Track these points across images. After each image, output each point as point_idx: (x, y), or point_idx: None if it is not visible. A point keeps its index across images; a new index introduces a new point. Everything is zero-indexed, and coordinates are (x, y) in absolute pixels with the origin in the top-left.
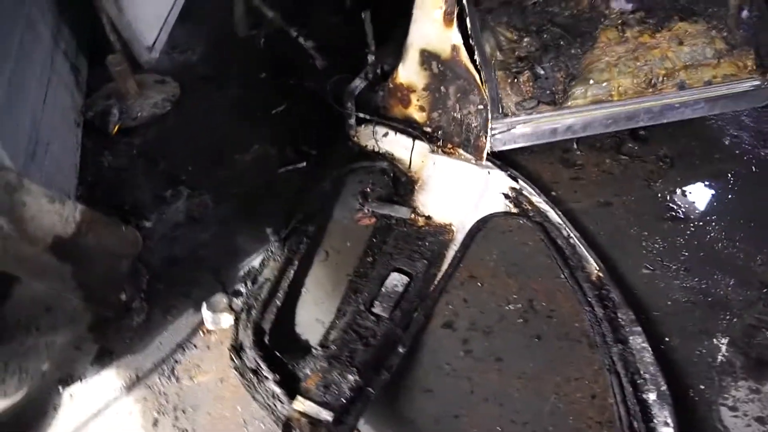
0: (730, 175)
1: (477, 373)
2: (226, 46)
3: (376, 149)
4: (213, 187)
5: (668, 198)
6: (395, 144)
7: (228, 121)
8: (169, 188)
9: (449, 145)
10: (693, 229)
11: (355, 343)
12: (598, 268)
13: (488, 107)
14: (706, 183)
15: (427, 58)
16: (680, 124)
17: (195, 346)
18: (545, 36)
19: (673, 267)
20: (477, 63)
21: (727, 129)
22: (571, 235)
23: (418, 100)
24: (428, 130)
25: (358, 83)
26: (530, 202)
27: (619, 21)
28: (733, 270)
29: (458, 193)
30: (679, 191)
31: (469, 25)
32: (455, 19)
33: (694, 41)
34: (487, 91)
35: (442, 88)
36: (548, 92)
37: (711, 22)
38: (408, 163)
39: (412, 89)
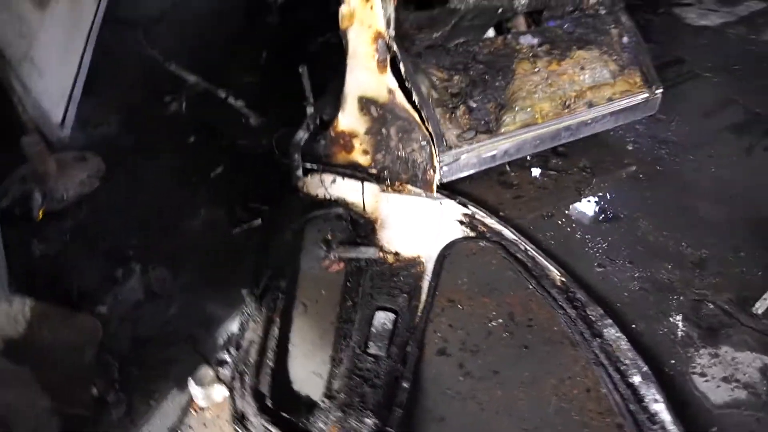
0: (641, 175)
1: (480, 392)
2: (144, 115)
3: (327, 196)
4: (167, 259)
5: (598, 202)
6: (345, 189)
7: (165, 190)
8: (117, 267)
9: (397, 183)
10: (626, 226)
11: (362, 386)
12: (559, 274)
13: (432, 143)
14: (625, 185)
15: (366, 103)
16: (591, 138)
17: (190, 426)
18: (471, 72)
19: (619, 262)
20: (415, 103)
21: (627, 137)
22: (528, 248)
23: (361, 144)
24: (374, 171)
25: (302, 135)
26: (484, 224)
27: (530, 54)
28: (668, 255)
29: (418, 226)
30: (605, 195)
31: (402, 69)
32: (388, 65)
33: (592, 65)
34: (430, 128)
35: (383, 130)
36: (483, 122)
37: (602, 48)
38: (362, 205)
39: (354, 135)
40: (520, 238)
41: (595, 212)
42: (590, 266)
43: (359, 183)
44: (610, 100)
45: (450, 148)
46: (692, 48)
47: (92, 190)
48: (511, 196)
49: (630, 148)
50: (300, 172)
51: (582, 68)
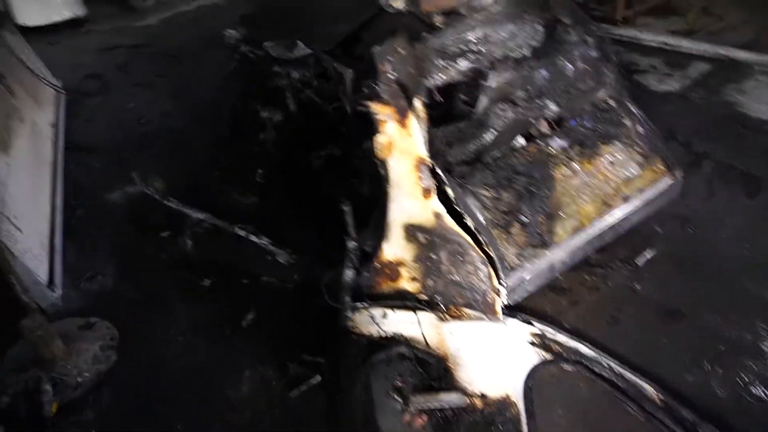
0: (682, 259)
1: None
2: (142, 258)
3: (382, 334)
4: None
5: (655, 298)
6: (399, 322)
7: (194, 350)
8: None
9: (452, 308)
10: (693, 322)
11: None
12: (655, 391)
13: (489, 265)
14: (671, 274)
15: (412, 230)
16: None
17: None
18: (516, 186)
19: (706, 366)
20: (466, 225)
21: (652, 221)
22: (611, 364)
23: (408, 272)
24: (424, 297)
25: (351, 274)
26: (557, 343)
27: (565, 157)
28: (745, 349)
29: (493, 357)
30: (658, 289)
31: (451, 193)
32: (434, 190)
33: (620, 160)
34: (491, 251)
35: (432, 255)
36: (537, 236)
37: (624, 141)
38: (423, 339)
39: (400, 263)
40: (599, 354)
41: (656, 310)
42: (679, 374)
43: (413, 314)
44: (641, 191)
45: (513, 269)
46: (667, 115)
47: (110, 367)
48: (568, 303)
49: (660, 230)
50: (349, 313)
51: (612, 164)
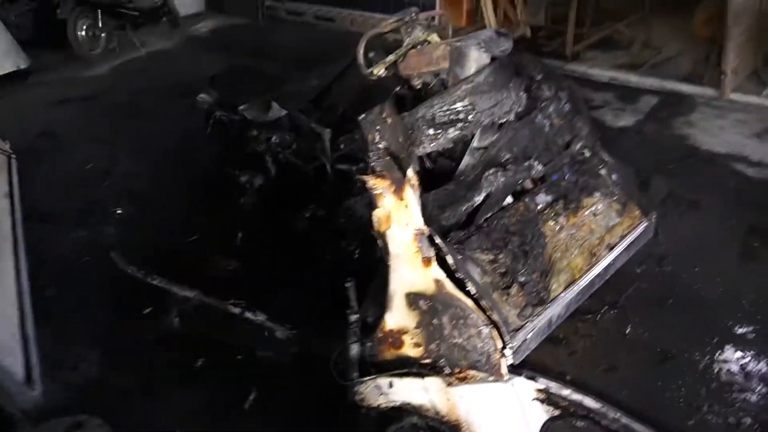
0: (667, 299)
1: None
2: (125, 340)
3: (390, 404)
4: None
5: (649, 343)
6: (407, 391)
7: None
8: None
9: (457, 371)
10: (688, 364)
11: None
12: None
13: (498, 330)
14: (658, 315)
15: (414, 299)
16: None
17: None
18: (510, 247)
19: (705, 408)
20: (466, 289)
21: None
22: (618, 415)
23: (412, 339)
24: (428, 361)
25: (356, 349)
26: (562, 398)
27: (552, 213)
28: (743, 387)
29: (506, 419)
30: (650, 332)
31: (451, 261)
32: (434, 258)
33: (601, 211)
34: (494, 315)
35: (434, 320)
36: (535, 294)
37: (602, 191)
38: (432, 407)
39: (403, 331)
40: (604, 406)
41: (651, 355)
42: (681, 420)
43: (420, 380)
44: (622, 237)
45: (516, 330)
46: (627, 151)
47: None
48: (566, 353)
49: (638, 270)
50: (357, 388)
51: (594, 215)
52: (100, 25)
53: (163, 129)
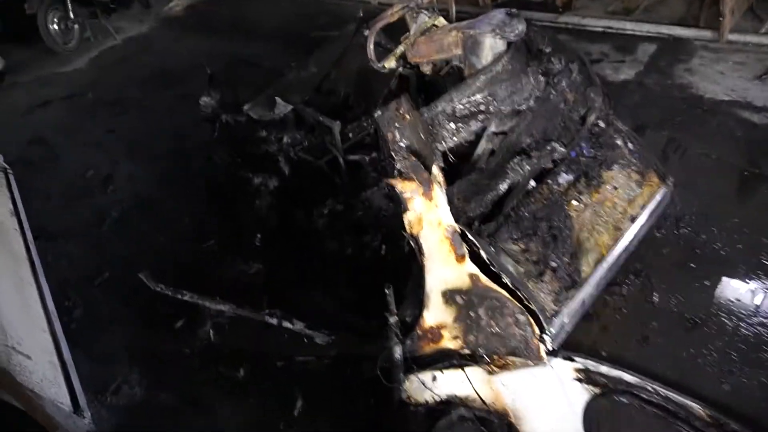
0: (688, 263)
1: None
2: (163, 356)
3: (437, 398)
4: None
5: (676, 310)
6: (450, 383)
7: None
8: None
9: (496, 358)
10: (716, 327)
11: None
12: (700, 407)
13: (536, 318)
14: (682, 280)
15: (450, 295)
16: None
17: None
18: (539, 233)
19: (737, 370)
20: (501, 280)
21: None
22: (655, 387)
23: (450, 332)
24: (467, 352)
25: (400, 351)
26: (602, 375)
27: (575, 192)
28: None
29: (549, 402)
30: (675, 298)
31: (485, 255)
32: (467, 253)
33: (621, 183)
34: (532, 305)
35: (471, 313)
36: (567, 277)
37: (620, 162)
38: (478, 397)
39: (442, 326)
40: (642, 379)
41: (679, 321)
42: (717, 385)
43: (461, 371)
44: (643, 207)
45: (553, 316)
46: (632, 107)
47: None
48: (599, 329)
49: (658, 235)
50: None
51: (615, 188)
52: (72, 15)
53: (155, 125)
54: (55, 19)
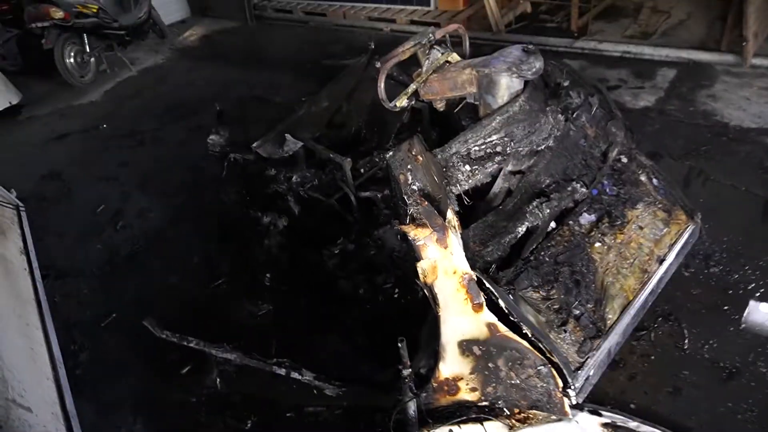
0: (721, 306)
1: None
2: (169, 405)
3: None
4: None
5: (709, 358)
6: None
7: None
8: None
9: (517, 411)
10: (754, 379)
11: None
12: None
13: (560, 372)
14: (714, 325)
15: (467, 346)
16: None
17: None
18: (561, 279)
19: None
20: (521, 330)
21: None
22: None
23: (467, 384)
24: (485, 404)
25: (413, 406)
26: (630, 431)
27: (598, 234)
28: None
29: None
30: (709, 346)
31: (503, 304)
32: (484, 302)
33: (647, 222)
34: (556, 358)
35: (490, 364)
36: (591, 326)
37: (645, 200)
38: None
39: (458, 378)
40: None
41: (713, 370)
42: None
43: (480, 426)
44: (671, 247)
45: (577, 369)
46: (654, 135)
47: None
48: (626, 378)
49: (687, 274)
50: None
51: (641, 228)
52: (88, 49)
53: (168, 158)
54: (72, 53)
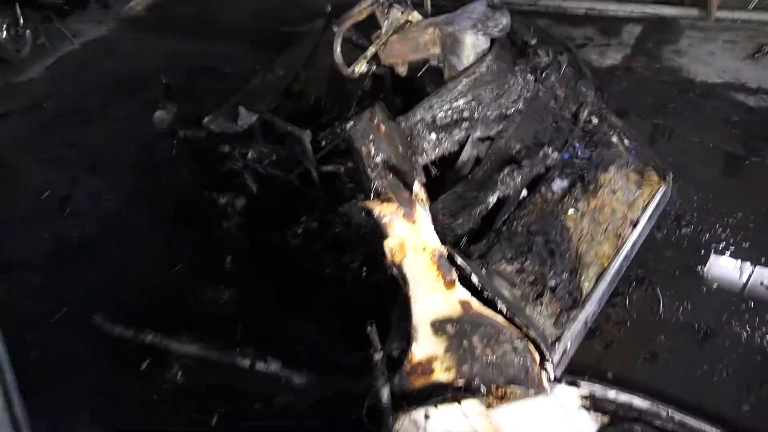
0: (693, 266)
1: None
2: (129, 402)
3: None
4: None
5: (684, 321)
6: (445, 420)
7: None
8: None
9: (494, 388)
10: (729, 340)
11: None
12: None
13: (537, 346)
14: (686, 285)
15: (440, 325)
16: None
17: None
18: (535, 249)
19: (756, 389)
20: (495, 306)
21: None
22: (669, 412)
23: (442, 364)
24: (461, 384)
25: (387, 391)
26: (609, 401)
27: (571, 200)
28: None
29: None
30: (684, 308)
31: (476, 280)
32: (456, 279)
33: (620, 185)
34: (532, 333)
35: (464, 342)
36: (568, 296)
37: (617, 162)
38: None
39: (432, 359)
40: (655, 404)
41: (688, 333)
42: (736, 406)
43: (457, 405)
44: (644, 209)
45: (555, 342)
46: (621, 93)
47: None
48: (602, 347)
49: (659, 236)
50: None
51: (614, 192)
52: (22, 21)
53: (119, 136)
54: (4, 26)
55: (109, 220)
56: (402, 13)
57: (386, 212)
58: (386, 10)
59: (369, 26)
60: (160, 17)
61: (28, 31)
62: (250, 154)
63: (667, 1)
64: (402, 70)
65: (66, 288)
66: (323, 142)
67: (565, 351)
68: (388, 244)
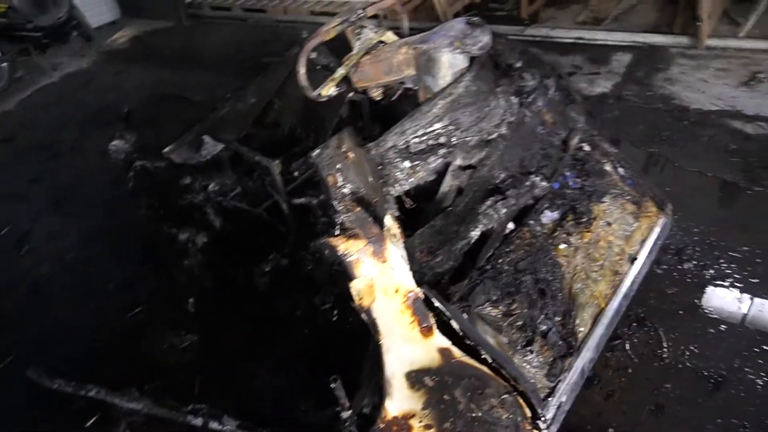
0: (697, 304)
1: None
2: None
3: None
4: None
5: (692, 367)
6: None
7: None
8: None
9: None
10: (742, 387)
11: None
12: None
13: (527, 401)
14: (691, 327)
15: (417, 377)
16: None
17: None
18: (523, 289)
19: None
20: (479, 354)
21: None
22: None
23: (420, 422)
24: None
25: None
26: None
27: (562, 234)
28: None
29: None
30: (689, 351)
31: (457, 326)
32: (434, 325)
33: (615, 217)
34: (521, 386)
35: (445, 396)
36: (561, 342)
37: (611, 192)
38: None
39: (409, 415)
40: None
41: (697, 381)
42: None
43: None
44: (642, 243)
45: (548, 396)
46: (613, 122)
47: None
48: (602, 397)
49: (659, 271)
50: None
51: (609, 224)
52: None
53: (87, 171)
54: None
55: (68, 260)
56: (375, 32)
57: (353, 250)
58: (357, 31)
59: (346, 50)
60: (143, 50)
61: (4, 65)
62: (211, 186)
63: (656, 30)
64: (376, 94)
65: (13, 335)
66: (296, 173)
67: (560, 405)
68: (355, 286)
